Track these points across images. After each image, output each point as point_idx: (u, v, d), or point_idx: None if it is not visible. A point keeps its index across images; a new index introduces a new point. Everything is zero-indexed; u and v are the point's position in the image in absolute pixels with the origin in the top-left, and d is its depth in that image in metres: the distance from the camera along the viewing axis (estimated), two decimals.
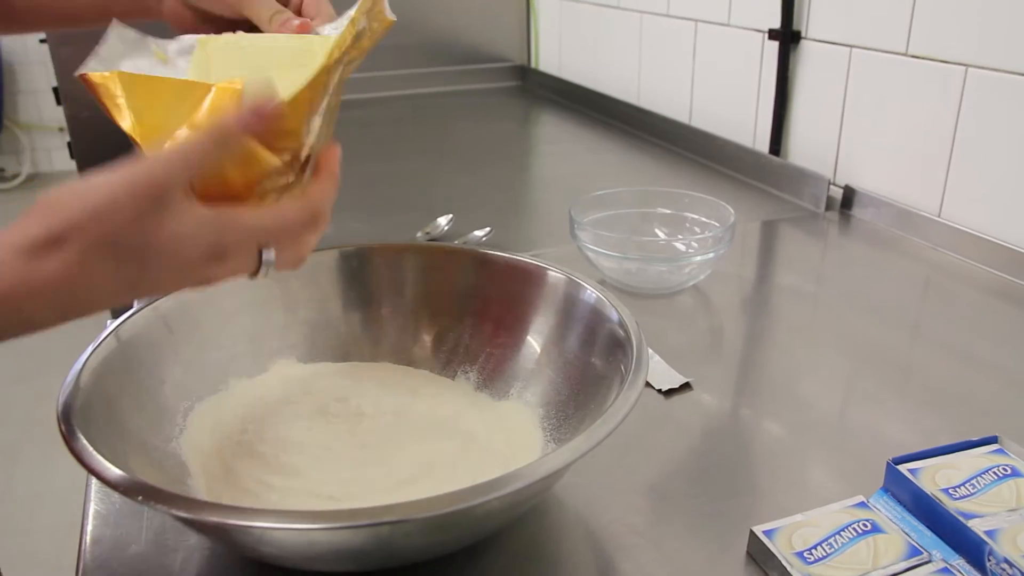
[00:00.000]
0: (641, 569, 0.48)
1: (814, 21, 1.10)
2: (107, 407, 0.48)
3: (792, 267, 0.94)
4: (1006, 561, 0.43)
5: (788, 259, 0.98)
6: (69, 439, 0.42)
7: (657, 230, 0.92)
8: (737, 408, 0.65)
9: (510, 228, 1.03)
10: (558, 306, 0.60)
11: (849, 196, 1.07)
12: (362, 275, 0.65)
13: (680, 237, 0.90)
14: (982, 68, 0.87)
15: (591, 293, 0.58)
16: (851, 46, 1.04)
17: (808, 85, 1.13)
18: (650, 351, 0.69)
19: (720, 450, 0.59)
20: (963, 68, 0.89)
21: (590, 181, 1.25)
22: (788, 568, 0.44)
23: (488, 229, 0.95)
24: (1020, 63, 0.83)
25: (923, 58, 0.94)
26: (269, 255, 0.43)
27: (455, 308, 0.64)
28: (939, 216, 0.95)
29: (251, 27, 0.51)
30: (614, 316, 0.54)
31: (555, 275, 0.60)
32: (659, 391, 0.66)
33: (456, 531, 0.45)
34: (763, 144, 1.21)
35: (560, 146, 1.52)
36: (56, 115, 3.73)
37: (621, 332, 0.53)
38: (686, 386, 0.67)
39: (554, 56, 1.89)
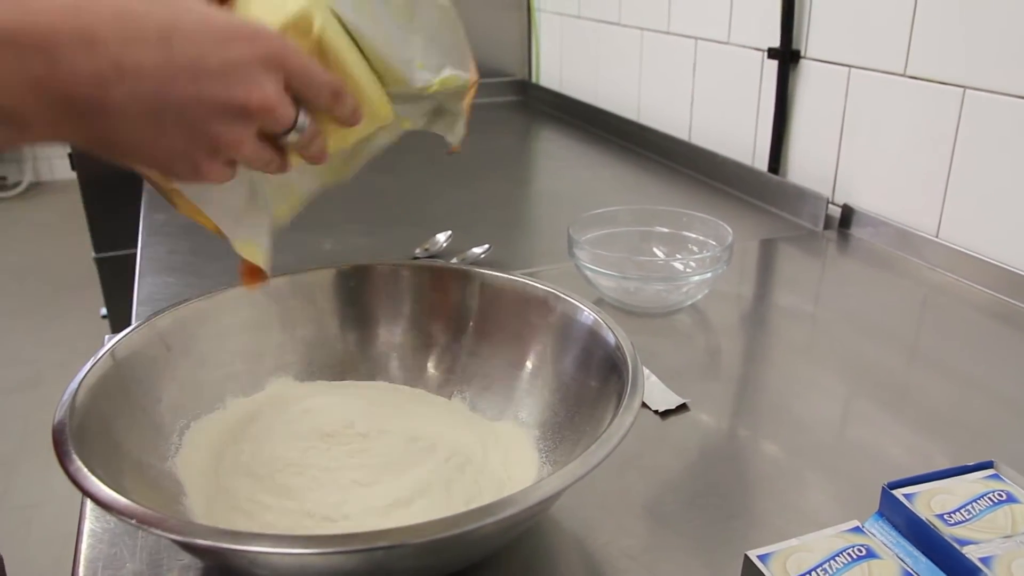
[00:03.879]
0: None
1: (813, 41, 1.10)
2: (103, 426, 0.48)
3: (790, 286, 0.94)
4: None
5: (786, 278, 0.98)
6: (64, 460, 0.42)
7: (655, 249, 0.92)
8: (734, 429, 0.65)
9: (509, 245, 1.03)
10: (555, 327, 0.60)
11: (848, 215, 1.07)
12: (359, 294, 0.65)
13: (678, 256, 0.90)
14: (979, 90, 0.87)
15: (588, 315, 0.58)
16: (850, 66, 1.04)
17: (807, 104, 1.13)
18: (647, 371, 0.70)
19: (716, 472, 0.59)
20: (960, 89, 0.89)
21: (590, 197, 1.26)
22: None
23: (487, 246, 0.95)
24: (1017, 86, 0.83)
25: (921, 79, 0.94)
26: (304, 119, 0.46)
27: (452, 327, 0.64)
28: (937, 236, 0.95)
29: None
30: (610, 339, 0.55)
31: (552, 296, 0.61)
32: (656, 412, 0.66)
33: (450, 555, 0.45)
34: (762, 162, 1.22)
35: (560, 162, 1.52)
36: None
37: (617, 355, 0.53)
38: (683, 407, 0.67)
39: (555, 71, 1.89)
